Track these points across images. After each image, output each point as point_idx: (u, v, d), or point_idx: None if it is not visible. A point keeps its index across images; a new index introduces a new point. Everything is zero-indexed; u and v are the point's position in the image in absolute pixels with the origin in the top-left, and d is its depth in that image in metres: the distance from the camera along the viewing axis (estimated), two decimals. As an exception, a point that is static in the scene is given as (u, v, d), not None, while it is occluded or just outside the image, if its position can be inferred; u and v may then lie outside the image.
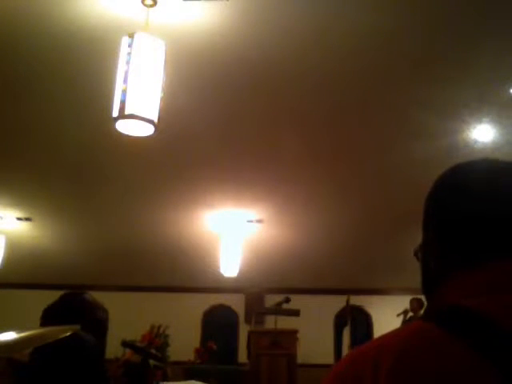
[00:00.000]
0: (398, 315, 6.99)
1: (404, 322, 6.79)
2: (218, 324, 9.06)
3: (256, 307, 8.06)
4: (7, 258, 6.94)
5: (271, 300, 7.24)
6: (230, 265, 6.80)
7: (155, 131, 2.97)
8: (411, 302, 6.99)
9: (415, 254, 0.85)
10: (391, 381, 0.60)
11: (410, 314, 6.95)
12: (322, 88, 4.06)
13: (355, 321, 7.54)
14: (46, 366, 2.17)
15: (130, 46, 2.92)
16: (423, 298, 0.84)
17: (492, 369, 0.58)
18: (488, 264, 0.71)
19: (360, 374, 0.63)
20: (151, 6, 3.11)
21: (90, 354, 2.28)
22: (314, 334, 7.99)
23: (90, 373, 2.22)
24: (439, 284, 0.75)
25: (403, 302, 7.13)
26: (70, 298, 2.48)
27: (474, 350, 0.59)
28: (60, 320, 2.25)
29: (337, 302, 7.99)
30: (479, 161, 0.82)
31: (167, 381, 4.79)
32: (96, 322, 2.46)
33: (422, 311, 6.72)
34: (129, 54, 2.91)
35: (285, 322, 5.98)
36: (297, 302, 6.38)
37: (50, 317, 2.38)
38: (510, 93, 3.95)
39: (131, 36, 2.93)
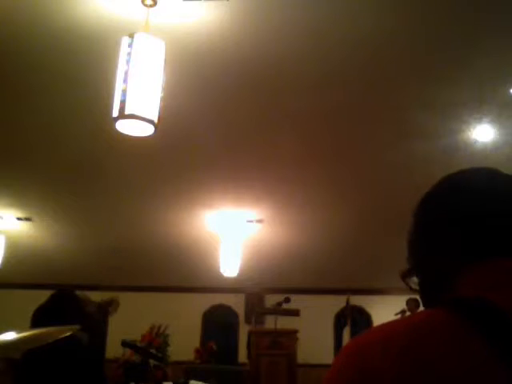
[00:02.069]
0: (396, 314, 6.97)
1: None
2: (218, 324, 9.06)
3: (256, 307, 8.06)
4: (7, 257, 6.93)
5: (271, 300, 7.24)
6: (229, 265, 6.80)
7: (155, 131, 2.97)
8: (408, 301, 6.99)
9: (405, 277, 0.85)
10: (400, 369, 0.60)
11: (408, 313, 6.94)
12: (321, 88, 4.06)
13: (355, 321, 7.54)
14: (39, 366, 2.17)
15: (130, 46, 2.92)
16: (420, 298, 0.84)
17: (501, 359, 0.59)
18: (501, 260, 0.72)
19: (367, 361, 0.63)
20: (151, 5, 3.12)
21: (84, 354, 2.27)
22: (314, 334, 7.99)
23: (85, 372, 2.21)
24: (451, 282, 0.75)
25: (403, 302, 7.12)
26: (59, 298, 2.46)
27: (486, 340, 0.60)
28: (52, 320, 2.23)
29: (337, 302, 8.00)
30: (485, 167, 0.84)
31: (167, 381, 4.79)
32: (89, 319, 2.44)
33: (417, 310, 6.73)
34: (129, 54, 2.91)
35: (285, 322, 5.98)
36: (297, 301, 6.38)
37: (41, 318, 2.36)
38: (510, 93, 3.95)
39: (131, 36, 2.93)
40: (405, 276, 0.85)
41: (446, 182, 0.85)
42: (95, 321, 2.49)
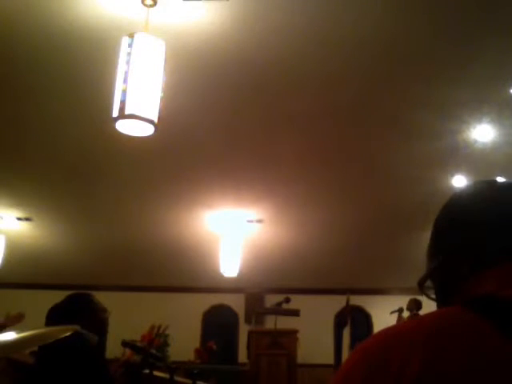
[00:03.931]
0: (392, 313, 6.95)
1: (399, 321, 6.75)
2: (218, 324, 9.05)
3: (256, 307, 8.06)
4: (7, 258, 6.93)
5: (271, 300, 7.24)
6: (229, 265, 6.79)
7: (155, 131, 2.97)
8: (410, 301, 6.97)
9: (422, 283, 0.88)
10: (426, 364, 0.61)
11: (406, 312, 6.92)
12: (322, 88, 4.06)
13: (355, 321, 7.54)
14: (52, 365, 2.19)
15: (130, 46, 2.92)
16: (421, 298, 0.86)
17: None
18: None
19: (391, 355, 0.64)
20: (151, 5, 3.12)
21: (95, 353, 2.31)
22: (314, 334, 7.99)
23: (94, 372, 2.24)
24: (467, 284, 0.79)
25: (403, 302, 7.12)
26: (77, 299, 2.50)
27: (501, 333, 0.63)
28: (66, 319, 2.27)
29: (337, 302, 7.98)
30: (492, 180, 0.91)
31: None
32: (100, 322, 2.49)
33: (416, 311, 6.71)
34: (129, 54, 2.91)
35: (285, 322, 5.98)
36: (297, 302, 6.38)
37: (56, 316, 2.39)
38: (510, 93, 3.95)
39: (131, 36, 2.93)
40: (422, 282, 0.89)
41: (463, 192, 0.91)
42: (106, 327, 2.54)
